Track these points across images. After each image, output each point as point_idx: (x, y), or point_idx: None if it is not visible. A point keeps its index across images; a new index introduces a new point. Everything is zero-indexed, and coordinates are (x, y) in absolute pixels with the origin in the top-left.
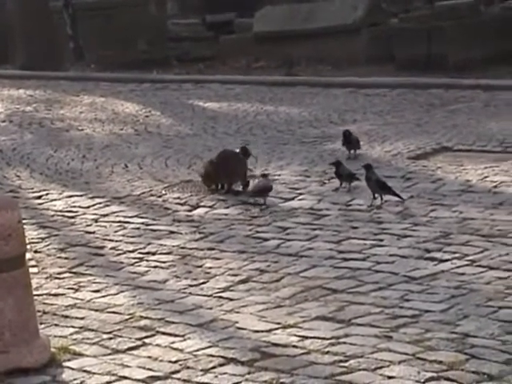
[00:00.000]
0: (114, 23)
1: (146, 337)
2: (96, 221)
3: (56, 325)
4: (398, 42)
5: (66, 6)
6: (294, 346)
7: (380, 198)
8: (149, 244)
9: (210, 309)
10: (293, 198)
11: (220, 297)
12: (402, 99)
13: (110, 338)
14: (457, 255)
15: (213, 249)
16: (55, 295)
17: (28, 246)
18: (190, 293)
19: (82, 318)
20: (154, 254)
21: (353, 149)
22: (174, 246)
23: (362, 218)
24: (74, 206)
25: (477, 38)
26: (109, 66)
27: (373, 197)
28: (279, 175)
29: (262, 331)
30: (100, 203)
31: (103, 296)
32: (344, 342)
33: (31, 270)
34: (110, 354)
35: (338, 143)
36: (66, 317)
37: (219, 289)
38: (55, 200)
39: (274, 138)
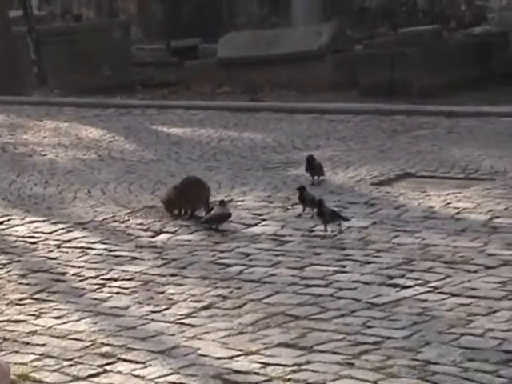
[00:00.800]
0: (79, 48)
1: (107, 364)
2: (58, 246)
3: (16, 352)
4: (361, 68)
5: (30, 31)
6: (256, 373)
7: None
8: (111, 270)
9: (172, 335)
10: (256, 224)
11: (182, 323)
12: (366, 125)
13: (71, 365)
14: (419, 282)
15: (175, 275)
16: (16, 322)
17: None
18: (152, 319)
19: (42, 345)
20: (116, 280)
21: (316, 175)
22: (136, 272)
23: (325, 244)
24: (37, 232)
25: (440, 65)
26: (73, 90)
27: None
28: (242, 201)
29: (224, 358)
30: (62, 229)
31: (64, 322)
32: (306, 369)
33: None
34: (70, 382)
35: (302, 169)
36: (27, 343)
37: (181, 315)
38: (17, 225)
39: (237, 163)
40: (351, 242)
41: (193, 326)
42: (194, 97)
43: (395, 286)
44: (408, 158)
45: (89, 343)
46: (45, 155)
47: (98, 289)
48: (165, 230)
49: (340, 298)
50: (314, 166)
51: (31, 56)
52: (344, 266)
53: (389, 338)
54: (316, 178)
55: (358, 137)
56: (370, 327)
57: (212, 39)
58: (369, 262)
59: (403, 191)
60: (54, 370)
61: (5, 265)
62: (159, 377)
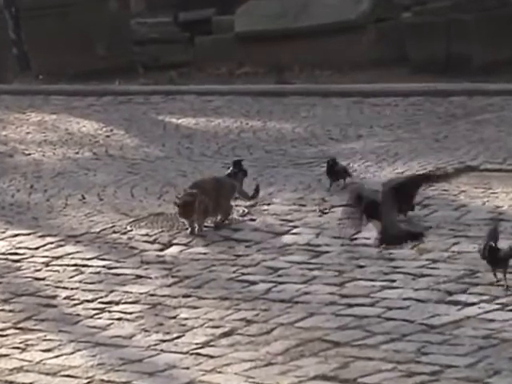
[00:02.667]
0: (67, 24)
1: None
2: (47, 265)
3: None
4: (411, 40)
5: (8, 5)
6: None
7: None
8: (111, 291)
9: (187, 369)
10: (286, 232)
11: (198, 354)
12: (417, 109)
13: None
14: (485, 298)
15: (189, 296)
16: None
17: None
18: (162, 350)
19: None
20: (117, 303)
21: (339, 178)
22: (141, 294)
23: (370, 255)
24: (20, 248)
25: (506, 35)
26: (61, 76)
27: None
28: (269, 204)
29: None
30: (52, 243)
31: (56, 356)
32: None
33: None
34: None
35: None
36: (11, 382)
37: (197, 344)
38: None
39: (261, 159)
40: (401, 251)
41: (211, 356)
42: (208, 80)
43: (456, 303)
44: (469, 147)
45: (86, 381)
46: (29, 155)
47: (95, 315)
48: (175, 241)
49: (389, 319)
50: (334, 171)
51: (10, 35)
52: (393, 281)
53: (449, 366)
54: (342, 181)
55: (407, 124)
56: (425, 354)
57: (228, 10)
58: (423, 275)
59: (464, 188)
60: None
61: None
62: None
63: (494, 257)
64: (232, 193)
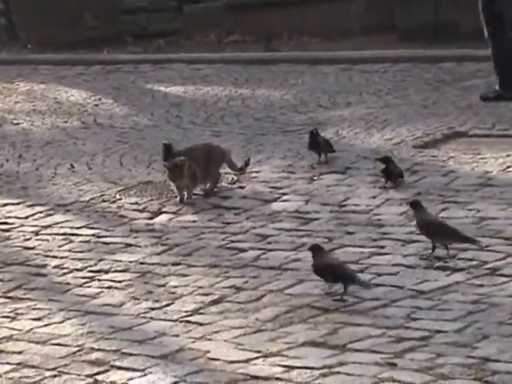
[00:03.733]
0: None
1: (99, 373)
2: (36, 234)
3: None
4: (400, 7)
5: None
6: (278, 379)
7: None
8: (101, 260)
9: (176, 336)
10: (275, 200)
11: (187, 321)
12: (406, 76)
13: (55, 376)
14: (474, 263)
15: (178, 264)
16: None
17: None
18: (152, 318)
19: (20, 353)
20: (107, 272)
21: (323, 152)
22: (131, 262)
23: (359, 222)
24: (9, 217)
25: None
26: (50, 45)
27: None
28: (258, 172)
29: (239, 361)
30: (41, 212)
31: (46, 325)
32: (338, 372)
33: None
34: None
35: (329, 131)
36: (1, 351)
37: (186, 312)
38: None
39: (250, 127)
40: (390, 217)
41: (201, 324)
42: (197, 48)
43: (445, 268)
44: (458, 113)
45: (76, 349)
46: (17, 124)
47: (85, 283)
48: (164, 209)
49: (378, 285)
50: (318, 143)
51: None
52: (382, 247)
53: (438, 331)
54: (323, 156)
55: (396, 90)
56: (415, 319)
57: None
58: (412, 241)
59: (452, 154)
60: (34, 383)
61: None
62: None
63: None
64: (221, 161)
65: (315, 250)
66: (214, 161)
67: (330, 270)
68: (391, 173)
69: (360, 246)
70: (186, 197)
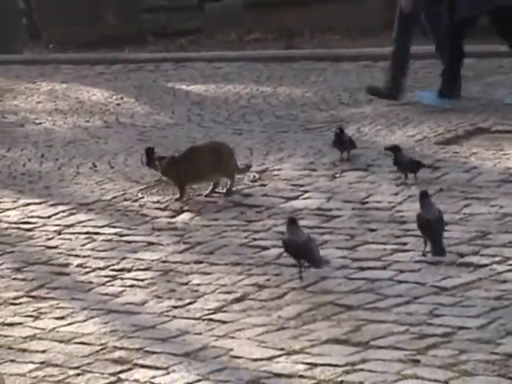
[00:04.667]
0: None
1: (122, 371)
2: (59, 233)
3: (12, 361)
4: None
5: None
6: (301, 376)
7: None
8: (123, 259)
9: (199, 334)
10: (296, 197)
11: (210, 319)
12: (427, 72)
13: (78, 375)
14: (497, 259)
15: (201, 262)
16: (10, 325)
17: None
18: (174, 316)
19: (43, 352)
20: (129, 270)
21: (347, 149)
22: (153, 260)
23: (381, 218)
24: (32, 216)
25: None
26: (71, 45)
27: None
28: (279, 170)
29: (262, 359)
30: (63, 211)
31: (69, 324)
32: (361, 369)
33: None
34: None
35: (351, 128)
36: (24, 350)
37: (209, 310)
38: (9, 209)
39: (272, 124)
40: (413, 213)
41: (223, 322)
42: (218, 47)
43: (467, 265)
44: (480, 109)
45: (99, 347)
46: (39, 124)
47: (107, 282)
48: (186, 208)
49: (401, 282)
50: (343, 141)
51: (19, 5)
52: (405, 244)
53: (461, 328)
54: (345, 153)
55: (418, 87)
56: (437, 316)
57: None
58: None
59: (475, 150)
60: (58, 381)
61: None
62: None
63: None
64: (231, 158)
65: (289, 224)
66: (225, 159)
67: (291, 246)
68: (398, 162)
69: (382, 243)
70: (177, 196)
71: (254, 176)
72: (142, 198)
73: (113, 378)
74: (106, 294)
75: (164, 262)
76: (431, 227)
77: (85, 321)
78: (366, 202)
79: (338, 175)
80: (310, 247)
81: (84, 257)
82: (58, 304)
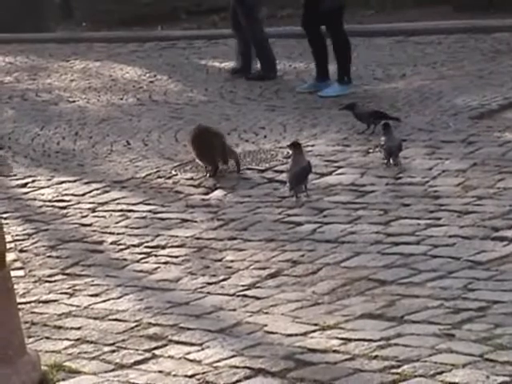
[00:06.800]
0: None
1: (157, 347)
2: (93, 210)
3: (47, 338)
4: None
5: None
6: (336, 351)
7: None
8: (157, 236)
9: (233, 310)
10: (330, 173)
11: (244, 295)
12: (461, 47)
13: (113, 351)
14: None
15: (234, 238)
16: (46, 302)
17: (11, 245)
18: (209, 292)
19: (78, 329)
20: (163, 247)
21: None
22: (187, 237)
23: (415, 193)
24: (66, 194)
25: None
26: (104, 23)
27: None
28: (313, 146)
29: (297, 335)
30: (97, 189)
31: (103, 301)
32: (396, 344)
33: (16, 273)
34: (113, 370)
35: (384, 103)
36: (60, 327)
37: (243, 286)
38: (43, 188)
39: (305, 101)
40: (447, 188)
41: (257, 298)
42: None
43: (502, 239)
44: None
45: (133, 324)
46: (73, 102)
47: (142, 259)
48: (220, 185)
49: (435, 256)
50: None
51: None
52: (439, 219)
53: (496, 302)
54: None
55: (451, 61)
56: (472, 290)
57: None
58: (469, 212)
59: (509, 124)
60: (93, 358)
61: (30, 235)
62: (219, 360)
63: None
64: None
65: (293, 148)
66: (215, 142)
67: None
68: (357, 116)
69: (416, 218)
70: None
71: (288, 152)
72: (176, 175)
73: (147, 355)
74: (141, 271)
75: (198, 238)
76: None
77: (119, 298)
78: (400, 178)
79: (371, 151)
80: (296, 173)
81: (118, 234)
82: (92, 281)
